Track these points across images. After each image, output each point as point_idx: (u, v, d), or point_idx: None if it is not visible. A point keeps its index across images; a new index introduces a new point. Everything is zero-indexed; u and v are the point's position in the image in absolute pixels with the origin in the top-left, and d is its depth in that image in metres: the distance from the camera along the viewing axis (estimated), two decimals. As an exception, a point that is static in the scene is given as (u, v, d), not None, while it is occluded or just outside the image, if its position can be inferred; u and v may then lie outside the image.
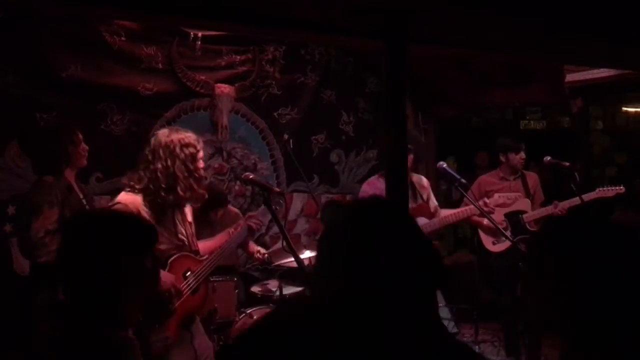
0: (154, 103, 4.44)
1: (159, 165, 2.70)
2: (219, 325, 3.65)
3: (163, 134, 2.79)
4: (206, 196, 2.85)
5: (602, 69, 5.22)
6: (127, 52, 4.30)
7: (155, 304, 2.63)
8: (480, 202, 3.98)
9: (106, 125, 4.24)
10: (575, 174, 4.29)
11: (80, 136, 3.50)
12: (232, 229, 3.10)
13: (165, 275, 2.67)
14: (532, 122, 8.04)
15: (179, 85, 4.55)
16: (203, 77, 4.64)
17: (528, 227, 4.51)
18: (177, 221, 2.81)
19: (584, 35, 2.71)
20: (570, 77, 5.27)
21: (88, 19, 4.04)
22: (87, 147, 3.56)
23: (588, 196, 4.35)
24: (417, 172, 4.40)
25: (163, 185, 2.69)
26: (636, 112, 8.19)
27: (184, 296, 2.75)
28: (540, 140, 7.32)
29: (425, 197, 3.97)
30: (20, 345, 1.64)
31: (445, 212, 4.05)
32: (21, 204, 3.64)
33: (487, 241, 4.74)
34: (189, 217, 2.91)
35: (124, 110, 4.30)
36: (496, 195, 4.17)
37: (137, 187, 2.71)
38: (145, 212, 2.66)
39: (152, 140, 2.82)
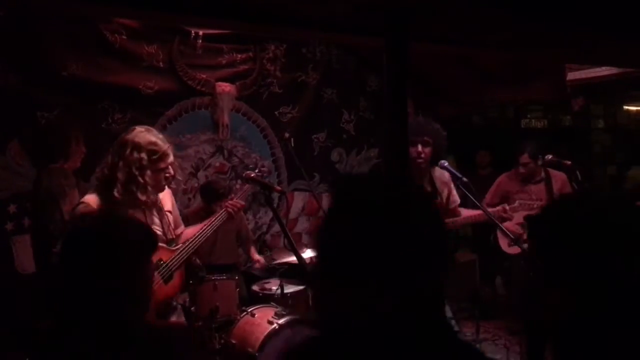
0: (155, 102, 4.44)
1: (109, 161, 2.70)
2: (221, 324, 3.66)
3: (130, 132, 2.76)
4: (150, 200, 2.75)
5: (603, 68, 5.21)
6: (128, 51, 4.30)
7: None
8: (499, 208, 3.92)
9: (107, 123, 4.24)
10: (577, 172, 4.28)
11: (81, 136, 3.52)
12: (212, 217, 3.07)
13: None
14: (533, 120, 8.04)
15: (180, 83, 4.55)
16: (204, 76, 4.64)
17: None
18: (145, 214, 2.77)
19: (586, 34, 2.70)
20: (571, 76, 5.27)
21: (89, 17, 4.04)
22: (84, 150, 3.57)
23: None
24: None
25: (105, 182, 2.68)
26: (637, 110, 8.19)
27: (155, 284, 2.74)
28: (542, 138, 7.33)
29: (445, 194, 3.85)
30: (21, 344, 1.63)
31: (466, 212, 3.95)
32: (35, 198, 3.61)
33: (503, 242, 4.70)
34: (167, 205, 2.89)
35: (125, 109, 4.30)
36: (517, 203, 3.99)
37: (97, 184, 2.72)
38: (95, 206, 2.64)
39: (122, 133, 2.81)
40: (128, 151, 2.68)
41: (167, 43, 4.47)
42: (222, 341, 3.62)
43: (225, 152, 4.84)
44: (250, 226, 4.90)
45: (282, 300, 3.98)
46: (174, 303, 2.91)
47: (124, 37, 4.27)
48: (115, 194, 2.65)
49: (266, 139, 5.05)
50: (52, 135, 3.49)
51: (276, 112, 5.04)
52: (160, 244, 2.79)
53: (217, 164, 4.80)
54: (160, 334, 1.73)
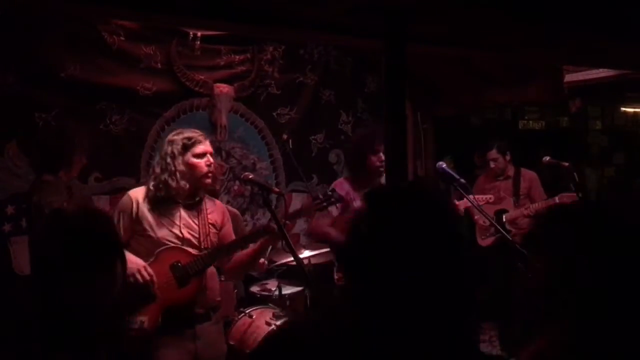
0: (153, 103, 4.44)
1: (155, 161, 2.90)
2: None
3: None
4: (181, 188, 2.82)
5: (601, 69, 5.22)
6: (126, 52, 4.30)
7: (133, 288, 2.66)
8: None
9: (105, 125, 4.23)
10: (575, 174, 4.30)
11: (85, 147, 3.55)
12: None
13: (134, 261, 2.69)
14: (530, 122, 8.04)
15: (178, 85, 4.55)
16: (202, 77, 4.64)
17: (507, 226, 4.70)
18: (182, 215, 2.84)
19: (583, 36, 2.71)
20: (569, 77, 5.27)
21: (87, 18, 4.03)
22: (85, 162, 3.60)
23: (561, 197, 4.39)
24: (416, 172, 4.40)
25: (153, 179, 2.83)
26: (635, 112, 8.20)
27: (165, 284, 2.74)
28: (539, 140, 7.34)
29: None
30: (20, 345, 1.63)
31: None
32: (30, 206, 3.63)
33: (478, 235, 4.97)
34: (216, 219, 2.95)
35: (123, 110, 4.30)
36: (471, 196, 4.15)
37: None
38: (141, 204, 2.79)
39: None
40: (165, 145, 2.87)
41: (165, 44, 4.47)
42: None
43: (223, 154, 4.84)
44: (248, 227, 4.89)
45: (280, 302, 3.98)
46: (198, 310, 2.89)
47: (122, 38, 4.27)
48: (151, 186, 2.80)
49: (264, 140, 5.04)
50: (57, 143, 3.51)
51: (274, 113, 5.04)
52: (183, 247, 2.80)
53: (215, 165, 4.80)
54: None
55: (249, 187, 4.83)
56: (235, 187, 4.88)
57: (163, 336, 2.74)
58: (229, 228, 3.05)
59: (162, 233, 2.79)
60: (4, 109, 3.82)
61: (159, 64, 4.45)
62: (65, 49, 4.04)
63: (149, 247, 2.77)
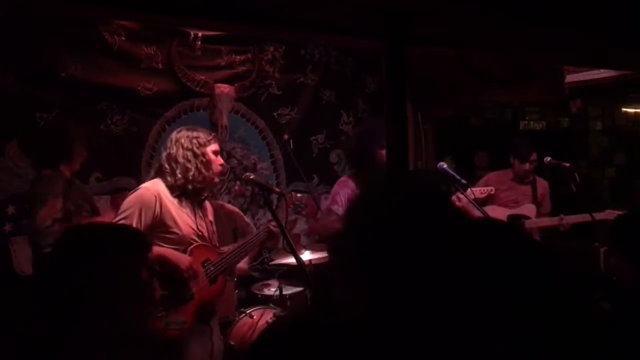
0: (153, 103, 4.44)
1: (171, 152, 2.83)
2: (219, 325, 3.66)
3: (176, 131, 2.93)
4: (216, 180, 2.92)
5: (601, 70, 5.22)
6: (127, 52, 4.30)
7: (174, 287, 2.66)
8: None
9: (106, 125, 4.24)
10: (576, 175, 4.29)
11: (85, 140, 3.56)
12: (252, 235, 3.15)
13: (183, 257, 2.72)
14: (531, 122, 8.04)
15: (178, 85, 4.55)
16: (203, 77, 4.64)
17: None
18: (197, 213, 2.87)
19: (584, 36, 2.71)
20: (570, 78, 5.27)
21: (88, 19, 4.03)
22: (85, 155, 3.61)
23: (598, 215, 4.13)
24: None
25: (178, 172, 2.80)
26: (635, 112, 8.20)
27: (201, 282, 2.78)
28: (540, 140, 7.34)
29: None
30: (21, 345, 1.63)
31: None
32: (26, 201, 3.65)
33: None
34: (210, 216, 2.99)
35: (124, 110, 4.30)
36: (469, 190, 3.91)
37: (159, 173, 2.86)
38: (164, 200, 2.75)
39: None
40: (183, 140, 2.84)
41: (166, 44, 4.47)
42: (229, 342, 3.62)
43: (224, 154, 4.83)
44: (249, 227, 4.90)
45: (280, 302, 3.98)
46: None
47: (123, 38, 4.27)
48: (179, 178, 2.78)
49: (265, 141, 5.05)
50: (57, 136, 3.53)
51: (275, 114, 5.05)
52: (207, 244, 2.85)
53: (216, 165, 4.80)
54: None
55: (249, 188, 4.83)
56: (236, 187, 4.88)
57: (189, 334, 2.78)
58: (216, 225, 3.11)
59: (186, 230, 2.79)
60: (4, 109, 3.82)
61: (159, 64, 4.45)
62: (66, 49, 4.04)
63: (173, 244, 2.75)
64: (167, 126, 4.49)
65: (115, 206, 4.00)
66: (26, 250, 3.80)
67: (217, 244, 2.98)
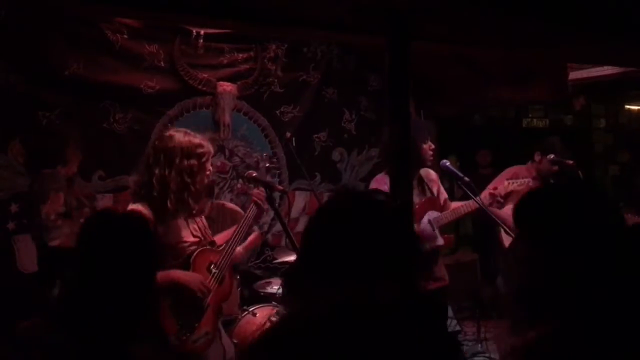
0: (156, 101, 4.44)
1: (156, 172, 2.65)
2: (222, 323, 3.66)
3: (170, 138, 2.73)
4: (198, 209, 2.81)
5: (605, 67, 5.20)
6: (130, 50, 4.30)
7: (189, 307, 2.67)
8: (490, 187, 3.93)
9: (108, 123, 4.24)
10: (579, 172, 4.27)
11: (78, 142, 3.57)
12: (245, 214, 3.05)
13: (191, 276, 2.69)
14: (534, 120, 8.03)
15: (181, 83, 4.55)
16: (205, 75, 4.63)
17: None
18: (187, 219, 2.82)
19: (586, 33, 2.70)
20: (573, 75, 5.26)
21: (90, 17, 4.03)
22: (80, 156, 3.63)
23: None
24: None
25: (155, 194, 2.64)
26: (639, 110, 8.18)
27: (213, 290, 2.78)
28: (543, 138, 7.31)
29: (435, 190, 3.93)
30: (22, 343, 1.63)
31: (455, 204, 3.99)
32: (28, 199, 3.66)
33: (506, 239, 4.66)
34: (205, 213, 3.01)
35: (126, 109, 4.30)
36: (506, 182, 3.93)
37: (139, 193, 2.70)
38: (154, 218, 2.66)
39: (157, 141, 2.80)
40: (178, 160, 2.64)
41: (168, 42, 4.46)
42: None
43: (227, 152, 4.84)
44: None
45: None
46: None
47: (125, 36, 4.27)
48: (169, 205, 2.62)
49: (267, 139, 5.04)
50: (51, 139, 3.55)
51: (277, 112, 5.04)
52: (206, 247, 2.82)
53: (219, 164, 4.79)
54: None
55: (252, 186, 4.83)
56: (239, 186, 4.88)
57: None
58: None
59: (182, 238, 2.77)
60: (7, 107, 3.82)
61: (162, 63, 4.45)
62: (69, 48, 4.04)
63: (173, 258, 2.74)
64: (169, 124, 4.48)
65: (118, 204, 4.02)
66: (29, 248, 3.80)
67: (212, 238, 2.94)
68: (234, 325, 3.70)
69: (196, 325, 2.70)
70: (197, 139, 2.76)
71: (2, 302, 3.49)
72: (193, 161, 2.67)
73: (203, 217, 2.96)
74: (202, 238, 2.88)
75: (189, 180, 2.65)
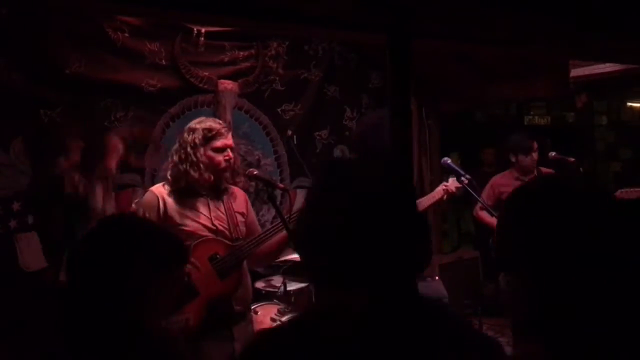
0: (157, 99, 4.44)
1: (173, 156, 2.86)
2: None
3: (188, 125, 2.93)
4: (211, 179, 2.84)
5: (607, 64, 5.19)
6: (131, 48, 4.30)
7: (183, 288, 2.66)
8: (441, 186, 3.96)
9: (109, 121, 4.24)
10: (581, 169, 4.27)
11: (77, 132, 3.59)
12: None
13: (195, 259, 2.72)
14: (536, 117, 8.03)
15: (182, 81, 4.55)
16: (206, 73, 4.64)
17: None
18: (210, 206, 2.84)
19: (589, 30, 2.69)
20: (575, 72, 5.25)
21: (91, 15, 4.03)
22: (82, 145, 3.63)
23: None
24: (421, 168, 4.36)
25: (168, 173, 2.83)
26: (641, 107, 8.16)
27: (208, 278, 2.75)
28: (545, 135, 7.32)
29: None
30: (23, 342, 1.63)
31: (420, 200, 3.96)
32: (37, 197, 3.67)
33: None
34: (239, 207, 2.97)
35: (128, 107, 4.30)
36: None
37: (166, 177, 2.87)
38: (167, 199, 2.77)
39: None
40: (185, 135, 2.83)
41: (169, 40, 4.47)
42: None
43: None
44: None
45: (285, 298, 3.98)
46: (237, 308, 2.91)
47: (126, 34, 4.27)
48: (168, 175, 2.79)
49: (269, 137, 5.04)
50: (53, 137, 3.56)
51: (278, 110, 5.04)
52: (218, 238, 2.80)
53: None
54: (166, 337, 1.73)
55: (253, 183, 4.83)
56: (240, 184, 4.87)
57: (202, 339, 2.74)
58: (252, 215, 3.08)
59: (194, 226, 2.78)
60: (9, 106, 3.82)
61: (163, 61, 4.45)
62: (70, 46, 4.04)
63: (184, 240, 2.73)
64: (171, 122, 4.49)
65: (121, 202, 4.03)
66: (33, 246, 3.81)
67: (240, 235, 2.92)
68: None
69: (180, 307, 2.66)
70: (211, 121, 2.92)
71: (3, 301, 3.50)
72: (197, 134, 2.81)
73: (239, 214, 2.93)
74: (226, 230, 2.84)
75: (190, 151, 2.77)
